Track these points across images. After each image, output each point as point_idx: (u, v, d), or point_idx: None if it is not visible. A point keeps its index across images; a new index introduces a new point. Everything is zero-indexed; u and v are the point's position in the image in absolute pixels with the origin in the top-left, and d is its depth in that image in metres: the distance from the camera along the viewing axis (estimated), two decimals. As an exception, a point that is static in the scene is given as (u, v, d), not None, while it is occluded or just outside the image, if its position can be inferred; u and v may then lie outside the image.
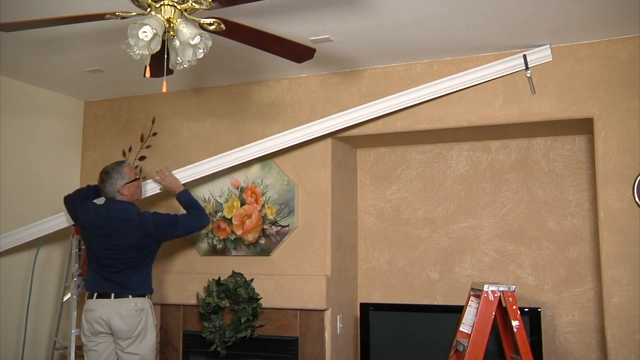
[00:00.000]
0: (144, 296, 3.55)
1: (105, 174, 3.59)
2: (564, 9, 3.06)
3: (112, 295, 3.47)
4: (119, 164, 3.66)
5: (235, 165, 4.07)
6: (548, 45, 3.54)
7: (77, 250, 4.03)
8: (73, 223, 3.90)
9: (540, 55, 3.57)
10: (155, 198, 4.18)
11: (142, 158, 4.50)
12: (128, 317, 3.45)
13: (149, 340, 3.54)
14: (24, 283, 4.25)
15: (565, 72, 3.55)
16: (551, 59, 3.55)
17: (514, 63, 3.62)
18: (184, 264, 4.32)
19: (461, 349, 3.26)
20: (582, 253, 3.85)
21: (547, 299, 3.87)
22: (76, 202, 3.74)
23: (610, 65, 3.46)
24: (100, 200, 3.73)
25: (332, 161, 4.05)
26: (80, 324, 3.60)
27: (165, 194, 4.05)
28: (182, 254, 4.33)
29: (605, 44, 3.48)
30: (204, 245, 4.26)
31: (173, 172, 3.89)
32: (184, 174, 3.95)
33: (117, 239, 3.49)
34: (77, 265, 4.00)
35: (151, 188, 3.94)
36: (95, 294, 3.51)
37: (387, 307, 4.03)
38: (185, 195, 3.76)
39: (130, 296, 3.48)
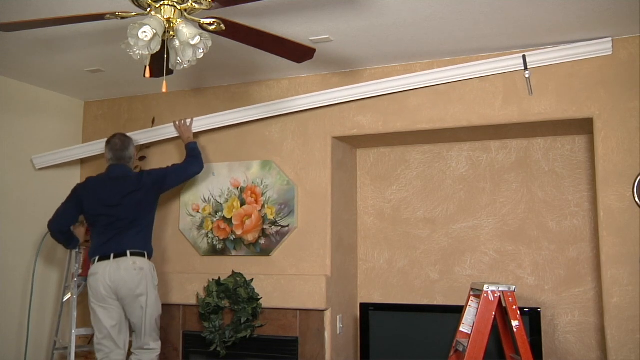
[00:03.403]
0: (142, 256, 3.64)
1: (122, 141, 3.85)
2: (563, 9, 3.07)
3: (112, 255, 3.57)
4: (130, 138, 3.96)
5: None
6: (610, 38, 3.44)
7: (77, 250, 4.03)
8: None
9: (599, 48, 3.46)
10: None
11: (142, 158, 4.50)
12: (127, 274, 3.54)
13: (151, 299, 3.61)
14: (25, 283, 4.25)
15: (565, 72, 3.55)
16: (611, 52, 3.46)
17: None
18: (184, 264, 4.32)
19: (461, 349, 3.26)
20: (582, 253, 3.85)
21: (547, 299, 3.87)
22: (73, 201, 3.81)
23: (610, 65, 3.46)
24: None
25: (332, 161, 4.05)
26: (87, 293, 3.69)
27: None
28: (182, 254, 4.33)
29: (605, 44, 3.49)
30: (204, 245, 4.26)
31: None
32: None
33: (121, 197, 3.65)
34: (77, 265, 4.01)
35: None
36: (97, 257, 3.61)
37: (387, 307, 4.03)
38: (191, 145, 4.08)
39: (128, 254, 3.58)
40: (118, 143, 3.83)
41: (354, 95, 3.94)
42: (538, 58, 3.56)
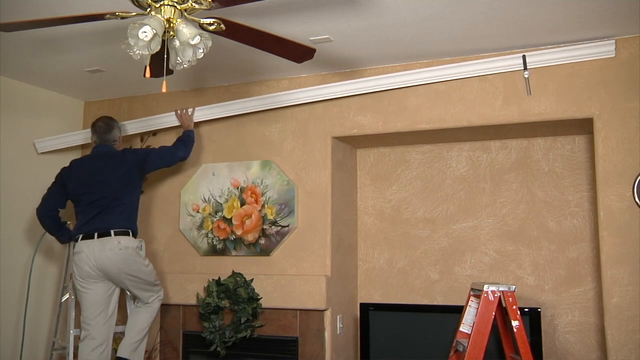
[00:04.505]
0: (127, 234, 3.62)
1: (107, 124, 3.88)
2: (563, 9, 3.07)
3: (96, 235, 3.56)
4: (114, 120, 3.98)
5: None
6: (613, 40, 3.42)
7: (73, 249, 4.02)
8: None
9: (602, 50, 3.43)
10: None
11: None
12: (112, 254, 3.53)
13: (141, 272, 3.65)
14: (22, 283, 4.25)
15: (565, 72, 3.55)
16: (614, 55, 3.44)
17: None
18: (184, 264, 4.32)
19: (461, 349, 3.26)
20: (582, 253, 3.85)
21: (547, 299, 3.87)
22: (58, 184, 3.84)
23: (610, 66, 3.46)
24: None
25: (332, 161, 4.05)
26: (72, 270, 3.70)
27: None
28: (182, 254, 4.33)
29: (605, 44, 3.48)
30: (204, 245, 4.26)
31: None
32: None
33: (103, 174, 3.67)
34: (76, 265, 4.00)
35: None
36: (81, 236, 3.60)
37: (387, 307, 4.03)
38: (187, 133, 4.09)
39: (112, 234, 3.56)
40: (102, 126, 3.87)
41: (353, 90, 3.94)
42: (539, 58, 3.56)
